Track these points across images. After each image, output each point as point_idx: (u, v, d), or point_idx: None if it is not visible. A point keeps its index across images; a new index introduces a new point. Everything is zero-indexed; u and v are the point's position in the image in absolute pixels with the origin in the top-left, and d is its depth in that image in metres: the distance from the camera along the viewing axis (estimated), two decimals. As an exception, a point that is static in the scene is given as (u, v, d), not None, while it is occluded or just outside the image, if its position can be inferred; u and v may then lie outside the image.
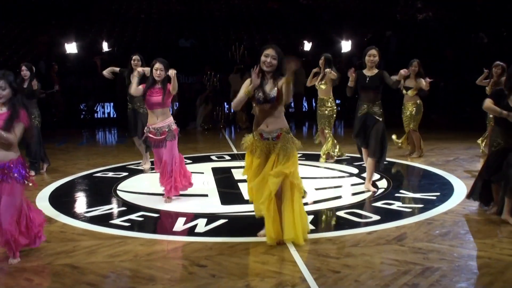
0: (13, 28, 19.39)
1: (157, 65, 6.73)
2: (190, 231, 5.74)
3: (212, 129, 16.37)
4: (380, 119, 7.16)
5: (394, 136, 10.19)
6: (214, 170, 9.13)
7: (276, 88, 5.00)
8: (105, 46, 18.68)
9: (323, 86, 9.42)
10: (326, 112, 9.53)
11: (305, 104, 18.29)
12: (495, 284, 4.23)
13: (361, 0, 22.60)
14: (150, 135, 6.86)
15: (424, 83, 9.34)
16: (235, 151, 11.55)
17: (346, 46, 18.98)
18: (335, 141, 9.79)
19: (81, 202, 7.34)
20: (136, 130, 8.93)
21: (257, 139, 5.16)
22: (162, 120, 6.80)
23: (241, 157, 10.61)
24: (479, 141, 10.14)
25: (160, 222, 6.28)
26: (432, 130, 9.70)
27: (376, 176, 8.24)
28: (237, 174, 8.64)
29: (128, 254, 5.02)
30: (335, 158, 9.72)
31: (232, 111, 17.44)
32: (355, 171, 8.79)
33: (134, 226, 5.95)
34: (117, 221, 6.10)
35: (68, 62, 18.08)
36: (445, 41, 21.20)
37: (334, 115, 9.65)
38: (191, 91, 17.40)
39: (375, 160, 7.27)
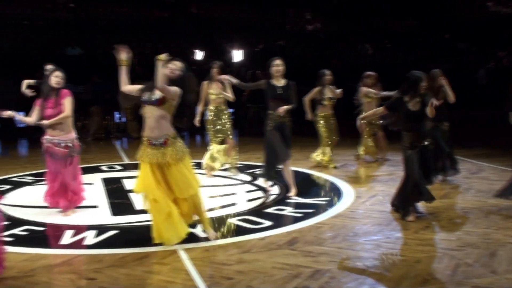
0: None
1: (58, 73, 6.44)
2: (79, 244, 5.54)
3: (104, 139, 15.97)
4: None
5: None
6: (105, 180, 8.89)
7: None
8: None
9: (214, 96, 8.86)
10: (224, 122, 8.92)
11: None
12: (381, 282, 4.41)
13: (252, 10, 22.98)
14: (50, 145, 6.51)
15: (339, 93, 9.47)
16: (126, 161, 11.33)
17: (237, 55, 19.20)
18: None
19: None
20: None
21: (146, 145, 5.21)
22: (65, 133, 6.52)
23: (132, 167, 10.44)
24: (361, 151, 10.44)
25: (46, 235, 6.00)
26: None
27: (268, 182, 8.37)
28: (128, 184, 8.46)
29: (11, 271, 4.75)
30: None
31: (124, 120, 17.09)
32: (248, 178, 8.87)
33: (18, 241, 5.64)
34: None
35: None
36: (332, 51, 22.02)
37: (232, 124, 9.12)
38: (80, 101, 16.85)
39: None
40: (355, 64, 19.52)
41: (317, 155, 9.85)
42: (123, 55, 5.13)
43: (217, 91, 8.79)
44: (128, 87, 5.20)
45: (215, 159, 8.91)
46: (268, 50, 21.39)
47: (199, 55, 19.65)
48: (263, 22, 22.51)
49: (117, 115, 17.44)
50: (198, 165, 9.02)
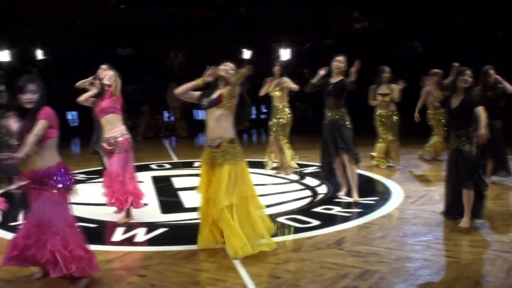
0: None
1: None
2: (130, 241, 5.65)
3: (153, 138, 16.21)
4: (348, 126, 7.10)
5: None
6: (154, 178, 9.02)
7: (219, 91, 5.06)
8: (39, 54, 18.20)
9: (277, 93, 8.86)
10: (282, 120, 8.93)
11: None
12: (431, 284, 4.35)
13: (299, 9, 22.89)
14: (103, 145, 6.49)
15: (397, 92, 9.11)
16: (175, 159, 11.48)
17: (285, 54, 19.17)
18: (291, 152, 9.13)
19: (13, 214, 7.04)
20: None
21: (206, 147, 5.20)
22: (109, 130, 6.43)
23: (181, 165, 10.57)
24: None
25: (98, 232, 6.14)
26: (373, 136, 9.81)
27: (316, 182, 8.35)
28: (177, 183, 8.58)
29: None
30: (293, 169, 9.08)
31: (173, 119, 17.32)
32: (296, 177, 8.85)
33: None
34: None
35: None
36: (381, 49, 21.74)
37: (290, 124, 9.00)
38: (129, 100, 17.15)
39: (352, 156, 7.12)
40: (403, 63, 19.24)
41: (374, 152, 9.73)
42: (207, 78, 5.15)
43: (273, 88, 8.83)
44: (188, 94, 5.21)
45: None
46: (315, 48, 21.30)
47: (247, 54, 19.72)
48: (310, 20, 22.39)
49: (166, 114, 17.69)
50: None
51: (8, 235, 5.89)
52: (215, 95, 5.07)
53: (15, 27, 18.12)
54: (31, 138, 4.05)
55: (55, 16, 19.37)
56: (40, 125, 4.08)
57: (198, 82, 5.14)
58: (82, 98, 6.58)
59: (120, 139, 6.32)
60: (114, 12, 20.34)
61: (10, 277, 4.63)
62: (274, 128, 8.98)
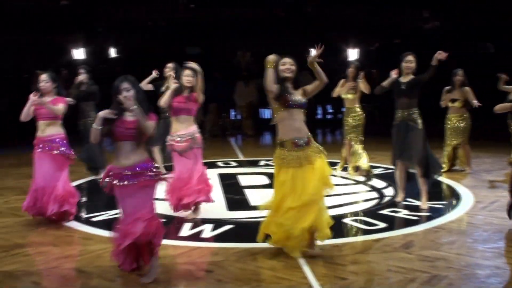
0: (17, 35, 19.41)
1: (187, 72, 6.64)
2: (197, 237, 5.75)
3: (220, 136, 16.41)
4: (420, 127, 6.77)
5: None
6: (221, 176, 9.13)
7: (302, 95, 5.06)
8: (112, 52, 18.74)
9: (350, 96, 8.83)
10: (353, 122, 8.85)
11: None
12: (502, 292, 4.23)
13: (366, 8, 22.64)
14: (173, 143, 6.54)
15: (471, 95, 8.84)
16: (241, 158, 11.58)
17: (353, 54, 19.00)
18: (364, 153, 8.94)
19: (88, 206, 7.31)
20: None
21: (289, 148, 5.05)
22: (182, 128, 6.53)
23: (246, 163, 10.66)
24: None
25: (166, 227, 6.25)
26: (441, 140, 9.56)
27: (383, 183, 8.24)
28: (243, 180, 8.66)
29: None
30: (364, 172, 8.87)
31: (239, 117, 17.49)
32: (362, 178, 8.76)
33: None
34: (123, 226, 6.07)
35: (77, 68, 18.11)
36: (451, 50, 21.20)
37: (362, 124, 8.89)
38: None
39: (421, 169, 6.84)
40: (475, 64, 18.72)
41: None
42: (270, 57, 5.06)
43: (345, 91, 8.81)
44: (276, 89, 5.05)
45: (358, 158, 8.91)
46: (383, 49, 21.00)
47: (314, 53, 19.68)
48: (378, 20, 22.10)
49: (233, 113, 17.87)
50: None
51: (84, 228, 6.14)
52: (304, 100, 5.04)
53: (91, 26, 18.74)
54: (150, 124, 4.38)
55: (128, 16, 19.95)
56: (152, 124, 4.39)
57: (269, 66, 5.01)
58: (163, 102, 6.63)
59: (197, 135, 6.52)
60: (184, 11, 20.73)
61: (85, 267, 4.81)
62: (347, 130, 8.96)
